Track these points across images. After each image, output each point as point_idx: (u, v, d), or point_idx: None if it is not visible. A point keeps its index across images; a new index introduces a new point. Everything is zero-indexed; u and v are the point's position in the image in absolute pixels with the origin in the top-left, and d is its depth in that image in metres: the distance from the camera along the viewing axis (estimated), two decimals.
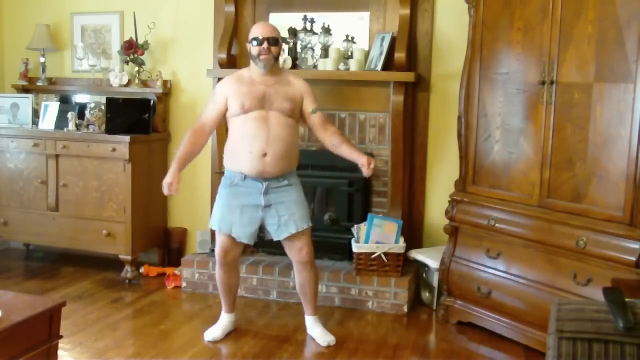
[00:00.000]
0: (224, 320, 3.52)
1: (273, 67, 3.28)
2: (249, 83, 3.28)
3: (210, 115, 3.34)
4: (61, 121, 4.62)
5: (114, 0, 4.81)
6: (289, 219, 3.30)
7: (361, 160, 3.31)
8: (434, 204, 4.25)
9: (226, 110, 3.30)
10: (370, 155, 3.59)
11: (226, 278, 3.46)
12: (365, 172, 3.32)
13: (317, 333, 3.45)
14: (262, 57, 3.22)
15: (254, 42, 3.23)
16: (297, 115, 3.34)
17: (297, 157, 3.43)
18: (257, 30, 3.27)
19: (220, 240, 3.38)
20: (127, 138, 4.27)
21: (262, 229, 3.40)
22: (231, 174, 3.34)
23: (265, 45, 3.20)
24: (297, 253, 3.36)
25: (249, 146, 3.23)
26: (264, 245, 4.19)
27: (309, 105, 3.35)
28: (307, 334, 3.52)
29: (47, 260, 4.93)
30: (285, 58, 4.12)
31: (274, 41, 3.24)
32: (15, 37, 5.11)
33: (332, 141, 3.37)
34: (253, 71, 3.31)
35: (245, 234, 3.33)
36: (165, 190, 3.30)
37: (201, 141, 3.34)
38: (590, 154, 3.05)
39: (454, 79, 4.00)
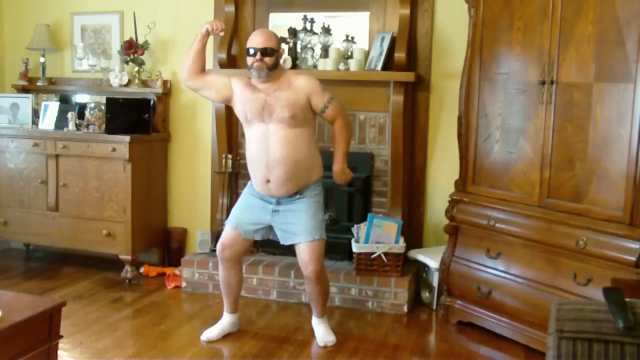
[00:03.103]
0: (224, 321, 3.52)
1: (272, 75, 3.20)
2: (252, 90, 3.24)
3: (211, 75, 3.38)
4: (61, 121, 4.62)
5: (114, 0, 4.81)
6: (295, 228, 3.28)
7: (335, 167, 3.34)
8: (434, 204, 4.25)
9: (223, 87, 3.30)
10: (352, 169, 3.51)
11: (225, 276, 3.46)
12: (335, 179, 3.38)
13: (319, 332, 3.45)
14: (255, 65, 3.16)
15: (249, 52, 3.19)
16: (302, 121, 3.22)
17: (315, 169, 3.31)
18: (251, 40, 3.21)
19: (223, 234, 3.42)
20: (127, 138, 4.27)
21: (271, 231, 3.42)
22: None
23: (257, 56, 3.15)
24: (304, 268, 3.33)
25: (254, 171, 3.29)
26: (264, 245, 4.19)
27: (318, 104, 3.24)
28: (307, 334, 3.52)
29: (47, 260, 4.93)
30: (285, 58, 4.12)
31: (270, 51, 3.16)
32: (15, 37, 5.12)
33: (333, 137, 3.35)
34: (253, 79, 3.26)
35: (251, 232, 3.37)
36: (211, 26, 3.28)
37: (200, 66, 3.32)
38: (590, 154, 3.05)
39: (454, 79, 3.99)
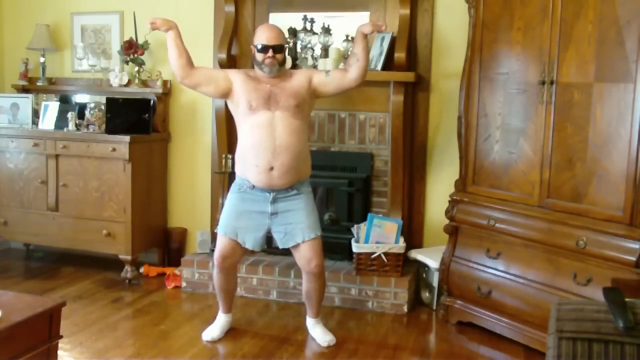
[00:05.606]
0: (222, 320, 3.52)
1: (281, 70, 3.28)
2: (256, 81, 3.27)
3: (206, 69, 3.43)
4: (61, 121, 4.62)
5: (114, 0, 4.81)
6: (295, 227, 3.26)
7: (364, 29, 3.23)
8: (434, 204, 4.25)
9: (221, 80, 3.28)
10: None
11: (224, 283, 3.44)
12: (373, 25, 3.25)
13: (318, 333, 3.45)
14: (266, 61, 3.21)
15: (259, 48, 3.22)
16: (303, 113, 3.27)
17: (309, 164, 3.37)
18: (262, 36, 3.23)
19: (221, 245, 3.35)
20: (127, 138, 4.27)
21: (269, 234, 3.39)
22: (240, 181, 3.33)
23: (270, 53, 3.20)
24: (307, 264, 3.31)
25: (255, 159, 3.20)
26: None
27: (320, 75, 3.29)
28: (307, 334, 3.51)
29: (47, 260, 4.93)
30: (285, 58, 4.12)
31: (279, 48, 3.22)
32: (15, 37, 5.11)
33: (350, 69, 3.29)
34: (258, 73, 3.31)
35: (251, 240, 3.31)
36: (152, 27, 3.30)
37: (186, 61, 3.27)
38: (590, 154, 3.05)
39: (454, 79, 3.99)
